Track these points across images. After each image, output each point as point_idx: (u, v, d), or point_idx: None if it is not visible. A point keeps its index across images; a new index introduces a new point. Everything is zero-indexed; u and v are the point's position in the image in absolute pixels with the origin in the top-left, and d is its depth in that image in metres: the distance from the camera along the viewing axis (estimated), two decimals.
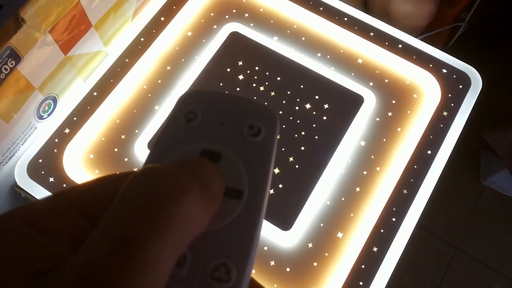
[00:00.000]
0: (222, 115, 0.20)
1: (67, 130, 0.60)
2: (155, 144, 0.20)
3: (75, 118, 0.61)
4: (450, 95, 0.64)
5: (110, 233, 0.14)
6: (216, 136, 0.20)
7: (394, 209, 0.57)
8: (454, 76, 0.65)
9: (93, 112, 0.61)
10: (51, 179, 0.57)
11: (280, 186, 0.58)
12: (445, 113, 0.63)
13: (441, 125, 0.62)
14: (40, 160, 0.59)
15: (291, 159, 0.60)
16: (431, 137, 0.61)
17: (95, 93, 0.62)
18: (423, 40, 0.87)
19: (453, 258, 1.16)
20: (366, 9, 0.87)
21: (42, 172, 0.58)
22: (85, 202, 0.17)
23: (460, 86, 0.65)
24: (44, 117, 0.60)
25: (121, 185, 0.16)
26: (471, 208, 1.20)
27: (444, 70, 0.65)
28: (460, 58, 0.67)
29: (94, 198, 0.18)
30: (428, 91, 0.65)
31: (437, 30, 0.84)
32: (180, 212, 0.15)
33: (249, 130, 0.20)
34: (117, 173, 0.19)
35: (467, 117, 0.63)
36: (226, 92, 0.20)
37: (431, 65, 0.65)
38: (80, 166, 0.59)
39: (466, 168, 1.23)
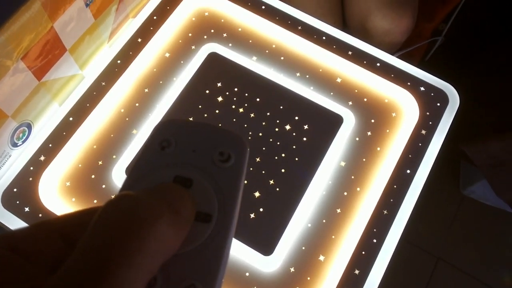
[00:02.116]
0: (194, 143, 0.21)
1: (42, 158, 0.59)
2: (131, 171, 0.21)
3: (50, 145, 0.59)
4: (428, 113, 0.64)
5: (84, 257, 0.15)
6: (188, 162, 0.21)
7: (374, 230, 0.58)
8: (432, 94, 0.66)
9: (69, 138, 0.60)
10: (27, 209, 0.56)
11: (261, 209, 0.58)
12: (423, 132, 0.63)
13: (420, 144, 0.62)
14: (15, 189, 0.57)
15: (271, 181, 0.59)
16: (410, 156, 0.62)
17: (70, 118, 0.61)
18: (401, 56, 0.88)
19: (435, 268, 1.17)
20: (345, 26, 0.87)
21: (17, 202, 0.56)
22: (66, 229, 0.18)
23: (438, 104, 0.65)
24: (18, 144, 0.59)
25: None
26: (451, 218, 1.21)
27: (422, 88, 0.66)
28: (438, 71, 0.68)
29: (74, 224, 0.19)
30: (406, 110, 0.65)
31: (415, 46, 0.85)
32: (151, 236, 0.16)
33: (219, 156, 0.21)
34: (99, 206, 0.20)
35: (445, 135, 0.64)
36: (199, 121, 0.22)
37: (409, 83, 0.66)
38: (56, 195, 0.58)
39: (446, 178, 1.25)
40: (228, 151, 0.21)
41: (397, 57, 0.68)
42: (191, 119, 0.62)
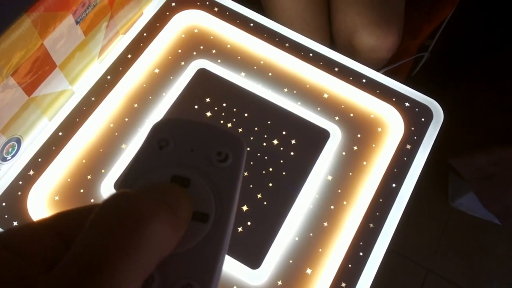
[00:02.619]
0: (193, 142, 0.21)
1: (31, 172, 0.59)
2: (129, 169, 0.20)
3: (39, 159, 0.60)
4: (413, 128, 0.66)
5: (80, 255, 0.15)
6: (186, 162, 0.21)
7: (361, 243, 0.58)
8: (417, 110, 0.67)
9: (58, 152, 0.60)
10: (15, 223, 0.56)
11: (249, 223, 0.58)
12: (408, 146, 0.65)
13: (405, 158, 0.64)
14: (4, 204, 0.57)
15: (259, 195, 0.60)
16: (395, 170, 0.63)
17: (60, 133, 0.62)
18: (387, 72, 0.90)
19: (425, 280, 1.17)
20: (332, 42, 0.89)
21: (6, 216, 0.57)
22: (62, 227, 0.18)
23: (423, 119, 0.67)
24: (7, 158, 0.59)
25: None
26: (441, 230, 1.23)
27: (407, 104, 0.67)
28: (425, 86, 0.69)
29: (70, 223, 0.18)
30: (391, 125, 0.66)
31: (400, 62, 0.87)
32: (147, 235, 0.16)
33: (217, 156, 0.21)
34: (96, 203, 0.20)
35: (429, 149, 0.65)
36: (197, 120, 0.21)
37: (394, 99, 0.67)
38: (45, 209, 0.58)
39: (435, 191, 1.26)
40: (226, 151, 0.21)
41: (383, 73, 0.70)
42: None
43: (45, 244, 0.17)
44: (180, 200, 0.18)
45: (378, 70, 0.83)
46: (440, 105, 0.68)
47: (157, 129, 0.22)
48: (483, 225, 1.21)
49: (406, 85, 0.69)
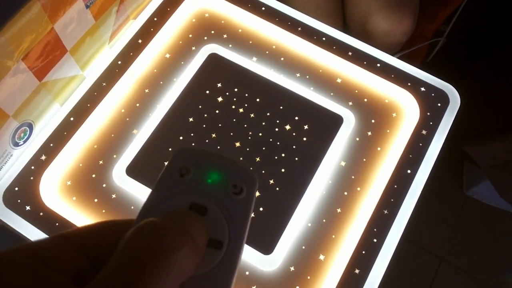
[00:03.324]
0: (211, 174, 0.23)
1: (43, 157, 0.59)
2: (152, 192, 0.23)
3: (51, 145, 0.60)
4: (428, 114, 0.64)
5: (118, 273, 0.17)
6: (204, 191, 0.23)
7: (375, 229, 0.57)
8: (433, 95, 0.66)
9: (70, 137, 0.60)
10: (28, 208, 0.56)
11: (261, 209, 0.58)
12: (424, 132, 0.63)
13: (420, 144, 0.62)
14: (16, 188, 0.57)
15: (271, 181, 0.59)
16: (410, 156, 0.62)
17: (71, 118, 0.61)
18: (402, 57, 0.88)
19: (438, 269, 1.16)
20: (345, 27, 0.87)
21: (19, 201, 0.57)
22: (85, 243, 0.20)
23: (439, 104, 0.65)
24: (20, 144, 0.59)
25: (119, 233, 0.19)
26: (455, 219, 1.21)
27: (423, 89, 0.66)
28: (440, 72, 0.68)
29: (93, 240, 0.20)
30: (407, 110, 0.65)
31: (416, 47, 0.85)
32: (175, 261, 0.18)
33: (232, 189, 0.23)
34: (115, 220, 0.22)
35: (445, 135, 0.63)
36: (216, 153, 0.24)
37: (409, 84, 0.66)
38: (57, 194, 0.58)
39: (449, 179, 1.24)
40: (241, 184, 0.23)
41: (398, 58, 0.68)
42: (191, 120, 0.62)
43: (68, 257, 0.19)
44: (199, 229, 0.21)
45: (392, 55, 0.82)
46: (457, 90, 0.66)
47: (179, 157, 0.24)
48: (498, 214, 1.19)
49: (425, 69, 0.67)
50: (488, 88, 1.03)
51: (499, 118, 0.94)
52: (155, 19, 0.68)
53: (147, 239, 0.18)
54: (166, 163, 0.24)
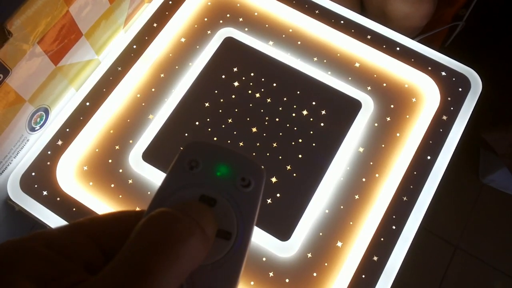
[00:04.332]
0: (220, 167, 0.24)
1: (60, 142, 0.59)
2: (162, 184, 0.23)
3: (67, 130, 0.59)
4: (449, 99, 0.63)
5: (130, 261, 0.18)
6: (213, 184, 0.23)
7: (394, 216, 0.57)
8: (454, 79, 0.64)
9: (86, 122, 0.60)
10: (45, 193, 0.56)
11: (278, 195, 0.57)
12: (444, 117, 0.62)
13: (441, 130, 0.61)
14: (33, 173, 0.57)
15: (288, 167, 0.59)
16: (430, 142, 0.60)
17: (87, 103, 0.61)
18: (421, 40, 0.86)
19: (453, 257, 1.15)
20: (363, 9, 0.85)
21: (35, 186, 0.57)
22: (97, 233, 0.21)
23: (460, 89, 0.64)
24: (36, 129, 0.59)
25: (130, 223, 0.20)
26: (470, 206, 1.19)
27: (443, 73, 0.64)
28: (459, 57, 0.66)
29: (105, 230, 0.21)
30: (427, 95, 0.64)
31: (435, 30, 0.83)
32: (185, 250, 0.19)
33: (241, 181, 0.24)
34: (126, 210, 0.23)
35: (466, 120, 0.62)
36: (225, 147, 0.25)
37: (429, 68, 0.64)
38: (73, 179, 0.58)
39: (466, 166, 1.22)
40: (249, 177, 0.24)
41: (417, 41, 0.66)
42: (207, 105, 0.62)
43: (81, 246, 0.20)
44: (208, 219, 0.21)
45: (412, 39, 0.80)
46: (478, 75, 0.65)
47: (188, 150, 0.24)
48: None
49: (446, 53, 0.66)
50: (508, 73, 1.00)
51: None
52: (170, 2, 0.67)
53: (158, 229, 0.19)
54: (175, 157, 0.24)
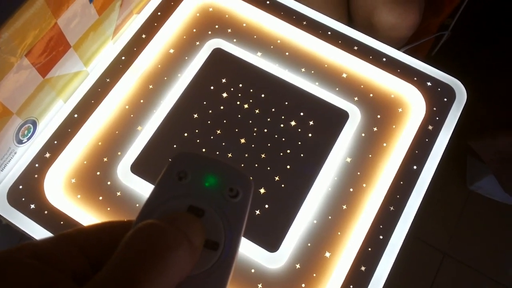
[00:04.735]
0: (208, 177, 0.24)
1: (47, 155, 0.59)
2: (150, 195, 0.23)
3: (55, 142, 0.59)
4: (435, 109, 0.64)
5: (117, 271, 0.18)
6: (201, 195, 0.24)
7: (381, 226, 0.57)
8: (439, 89, 0.65)
9: (74, 134, 0.60)
10: (32, 206, 0.56)
11: (266, 206, 0.58)
12: (430, 127, 0.63)
13: (427, 140, 0.62)
14: (21, 187, 0.57)
15: (276, 178, 0.59)
16: (416, 152, 0.61)
17: (75, 115, 0.61)
18: (408, 50, 0.87)
19: (442, 263, 1.16)
20: (350, 20, 0.86)
21: (23, 199, 0.56)
22: (85, 243, 0.21)
23: (445, 99, 0.65)
24: (23, 141, 0.59)
25: (118, 234, 0.20)
26: (458, 213, 1.21)
27: (429, 83, 0.65)
28: (445, 66, 0.67)
29: (93, 240, 0.21)
30: (413, 105, 0.65)
31: (421, 41, 0.84)
32: (172, 261, 0.19)
33: (229, 192, 0.24)
34: (114, 221, 0.23)
35: (452, 130, 0.63)
36: (214, 158, 0.25)
37: (415, 78, 0.65)
38: (61, 191, 0.58)
39: (453, 174, 1.24)
40: (237, 188, 0.24)
41: (403, 52, 0.67)
42: (196, 116, 0.62)
43: (69, 256, 0.20)
44: (196, 230, 0.21)
45: (398, 49, 0.81)
46: (463, 85, 0.66)
47: (176, 161, 0.25)
48: (502, 208, 1.19)
49: (428, 65, 0.67)
50: (494, 82, 1.02)
51: (504, 112, 0.93)
52: (159, 13, 0.68)
53: (145, 240, 0.19)
54: (164, 168, 0.24)
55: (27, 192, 0.57)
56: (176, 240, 0.20)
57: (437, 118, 0.63)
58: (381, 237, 0.57)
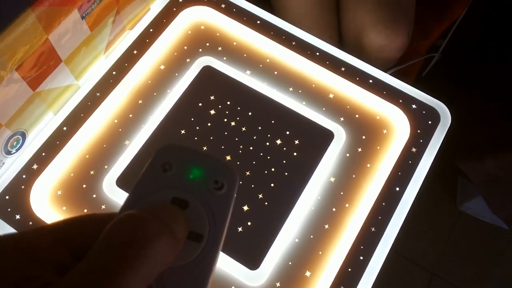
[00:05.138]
0: (193, 169, 0.24)
1: (35, 166, 0.60)
2: (134, 187, 0.23)
3: (43, 154, 0.60)
4: (419, 131, 0.65)
5: (95, 263, 0.18)
6: (186, 186, 0.23)
7: (362, 247, 0.58)
8: (424, 112, 0.66)
9: (62, 147, 0.61)
10: (17, 217, 0.57)
11: (249, 223, 0.58)
12: (414, 149, 0.64)
13: (410, 162, 0.63)
14: (7, 197, 0.58)
15: (260, 195, 0.60)
16: (399, 173, 0.62)
17: (64, 128, 0.62)
18: (396, 72, 0.88)
19: (430, 283, 1.16)
20: (340, 41, 0.88)
21: (8, 209, 0.57)
22: (66, 235, 0.21)
23: (429, 122, 0.66)
24: (12, 152, 0.60)
25: (100, 225, 0.20)
26: (447, 233, 1.21)
27: (414, 106, 0.66)
28: (435, 87, 0.68)
29: (75, 232, 0.21)
30: (397, 127, 0.66)
31: (410, 62, 0.86)
32: (152, 252, 0.19)
33: (214, 184, 0.24)
34: (96, 213, 0.23)
35: (435, 153, 0.64)
36: (199, 150, 0.25)
37: (400, 101, 0.66)
38: (47, 203, 0.58)
39: (444, 194, 1.24)
40: (222, 180, 0.24)
41: (391, 73, 0.69)
42: (183, 132, 0.63)
43: (51, 248, 0.20)
44: (179, 221, 0.21)
45: (386, 70, 0.82)
46: (448, 108, 0.67)
47: (162, 153, 0.24)
48: (491, 229, 1.19)
49: (414, 87, 0.68)
50: (482, 104, 1.03)
51: (492, 133, 0.95)
52: (151, 30, 0.69)
53: (124, 230, 0.19)
54: (149, 159, 0.24)
55: (13, 202, 0.58)
56: (157, 231, 0.20)
57: (421, 141, 0.64)
58: (361, 258, 0.57)
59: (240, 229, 0.58)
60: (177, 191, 0.23)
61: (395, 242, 0.58)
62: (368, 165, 0.63)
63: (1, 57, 0.49)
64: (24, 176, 0.59)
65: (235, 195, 0.24)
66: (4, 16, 0.48)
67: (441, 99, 0.67)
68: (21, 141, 0.61)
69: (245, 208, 0.59)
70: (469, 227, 1.21)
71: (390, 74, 0.71)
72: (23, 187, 0.59)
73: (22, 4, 0.49)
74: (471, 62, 1.18)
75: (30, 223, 0.56)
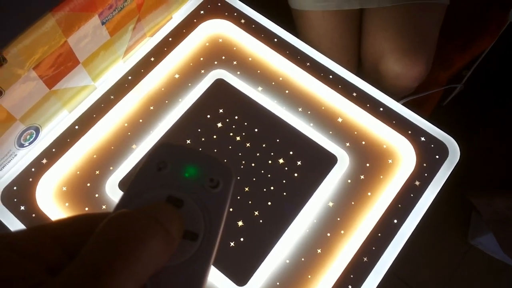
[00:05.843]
0: (188, 168, 0.24)
1: (44, 161, 0.62)
2: (129, 186, 0.23)
3: (53, 150, 0.63)
4: (425, 165, 0.64)
5: (87, 262, 0.18)
6: (181, 185, 0.23)
7: (351, 276, 0.57)
8: (432, 145, 0.65)
9: (72, 145, 0.63)
10: (22, 208, 0.59)
11: (242, 239, 0.59)
12: (417, 183, 0.63)
13: (412, 195, 0.62)
14: (15, 188, 0.60)
15: (256, 213, 0.60)
16: (399, 205, 0.61)
17: (76, 127, 0.64)
18: (413, 101, 0.87)
19: None
20: (360, 64, 0.87)
21: (15, 200, 0.60)
22: (61, 235, 0.20)
23: (437, 156, 0.65)
24: (25, 145, 0.62)
25: (94, 225, 0.19)
26: (455, 265, 1.18)
27: (423, 138, 0.66)
28: (451, 119, 0.67)
29: (69, 232, 0.21)
30: (403, 158, 0.65)
31: (426, 93, 0.84)
32: (145, 251, 0.18)
33: (209, 182, 0.23)
34: (91, 213, 0.22)
35: (439, 188, 0.63)
36: (194, 149, 0.24)
37: (410, 132, 0.66)
38: (51, 198, 0.61)
39: (456, 226, 1.21)
40: (217, 178, 0.23)
41: (406, 102, 0.68)
42: (188, 142, 0.64)
43: (45, 249, 0.19)
44: (174, 220, 0.21)
45: (402, 98, 0.81)
46: (460, 143, 0.66)
47: (156, 151, 0.24)
48: (500, 267, 1.16)
49: (431, 116, 0.67)
50: (496, 142, 1.00)
51: (503, 173, 0.92)
52: (170, 39, 0.71)
53: (117, 229, 0.19)
54: (144, 158, 0.25)
55: (20, 194, 0.60)
56: (150, 230, 0.19)
57: (426, 175, 0.63)
58: (349, 287, 0.57)
59: (232, 243, 0.59)
60: (172, 189, 0.23)
61: (397, 267, 0.57)
62: (369, 194, 0.63)
63: (18, 57, 0.52)
64: (33, 169, 0.62)
65: (231, 194, 0.24)
66: (24, 19, 0.50)
67: (457, 131, 0.66)
68: (34, 135, 0.63)
69: (240, 223, 0.60)
70: (478, 262, 1.18)
71: (406, 103, 0.70)
72: (31, 179, 0.61)
73: (43, 9, 0.51)
74: (493, 97, 1.15)
75: (33, 215, 0.59)
